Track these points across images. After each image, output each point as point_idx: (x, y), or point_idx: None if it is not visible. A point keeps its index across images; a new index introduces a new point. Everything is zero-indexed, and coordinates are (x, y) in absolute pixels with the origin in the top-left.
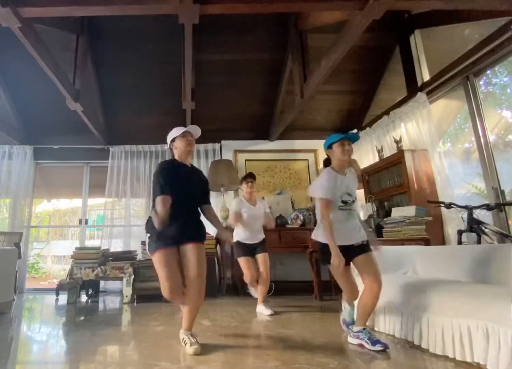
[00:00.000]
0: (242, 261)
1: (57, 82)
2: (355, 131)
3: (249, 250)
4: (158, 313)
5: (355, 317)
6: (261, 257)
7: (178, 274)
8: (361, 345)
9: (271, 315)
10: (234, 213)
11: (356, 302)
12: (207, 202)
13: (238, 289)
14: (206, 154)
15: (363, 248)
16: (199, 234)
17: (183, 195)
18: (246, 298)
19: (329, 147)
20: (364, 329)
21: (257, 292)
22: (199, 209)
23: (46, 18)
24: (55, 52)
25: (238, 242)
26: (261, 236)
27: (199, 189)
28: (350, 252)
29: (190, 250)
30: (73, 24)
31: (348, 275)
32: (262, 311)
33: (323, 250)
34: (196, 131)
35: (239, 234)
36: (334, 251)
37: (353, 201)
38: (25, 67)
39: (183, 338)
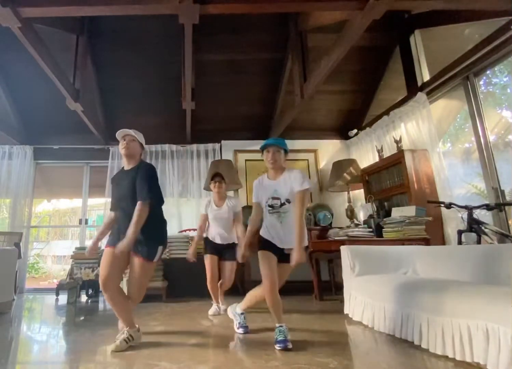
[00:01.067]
0: (206, 259)
1: (57, 82)
2: (354, 131)
3: (217, 249)
4: (158, 313)
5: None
6: (226, 265)
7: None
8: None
9: (214, 315)
10: (201, 215)
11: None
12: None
13: (238, 288)
14: (206, 154)
15: (286, 257)
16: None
17: (114, 201)
18: None
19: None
20: (242, 313)
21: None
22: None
23: (46, 18)
24: (55, 52)
25: (206, 238)
26: (231, 239)
27: (126, 190)
28: (280, 255)
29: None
30: (73, 24)
31: (272, 263)
32: (211, 310)
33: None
34: (127, 132)
35: (209, 232)
36: (244, 246)
37: (282, 204)
38: (25, 67)
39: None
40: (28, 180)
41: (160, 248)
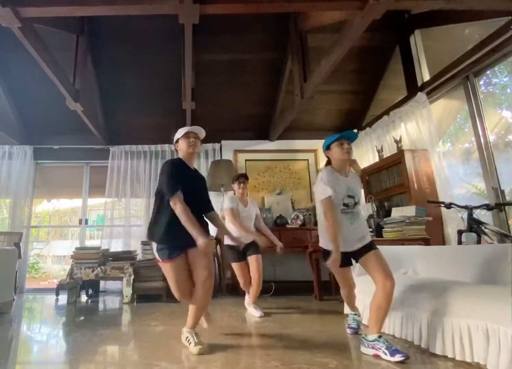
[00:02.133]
0: (235, 267)
1: (57, 82)
2: (354, 130)
3: (241, 253)
4: (158, 313)
5: (361, 321)
6: (253, 259)
7: (188, 278)
8: (377, 356)
9: (260, 317)
10: (230, 210)
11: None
12: (211, 208)
13: (238, 289)
14: (206, 154)
15: (369, 247)
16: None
17: (189, 197)
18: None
19: (327, 148)
20: (380, 337)
21: (249, 294)
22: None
23: (46, 18)
24: (55, 52)
25: (228, 246)
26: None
27: (203, 194)
28: (355, 255)
29: (199, 254)
30: (73, 24)
31: (347, 275)
32: (253, 312)
33: (325, 255)
34: (200, 131)
35: (232, 235)
36: (335, 247)
37: (356, 204)
38: (25, 67)
39: (187, 337)
40: (28, 180)
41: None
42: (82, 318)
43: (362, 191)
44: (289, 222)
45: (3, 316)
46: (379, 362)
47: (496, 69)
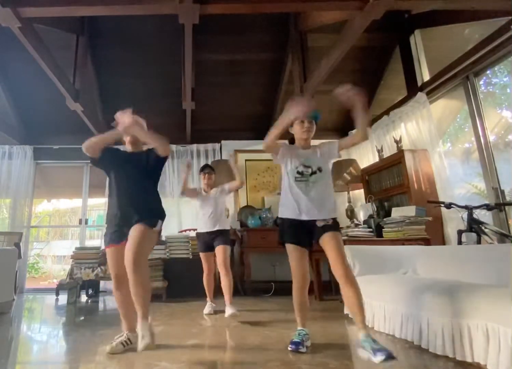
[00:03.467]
0: (201, 257)
1: (57, 82)
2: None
3: (208, 243)
4: (158, 313)
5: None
6: (218, 250)
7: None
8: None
9: (233, 315)
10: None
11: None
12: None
13: (238, 288)
14: (206, 154)
15: (328, 228)
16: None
17: (123, 177)
18: (245, 298)
19: (291, 125)
20: (366, 335)
21: (209, 292)
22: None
23: (46, 18)
24: (55, 52)
25: (197, 234)
26: (221, 225)
27: (143, 170)
28: (312, 233)
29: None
30: (73, 24)
31: (301, 260)
32: (226, 312)
33: (279, 227)
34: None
35: (198, 224)
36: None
37: (312, 173)
38: (25, 67)
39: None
40: (28, 180)
41: (159, 222)
42: (82, 318)
43: (362, 191)
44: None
45: (3, 316)
46: (379, 362)
47: (496, 69)
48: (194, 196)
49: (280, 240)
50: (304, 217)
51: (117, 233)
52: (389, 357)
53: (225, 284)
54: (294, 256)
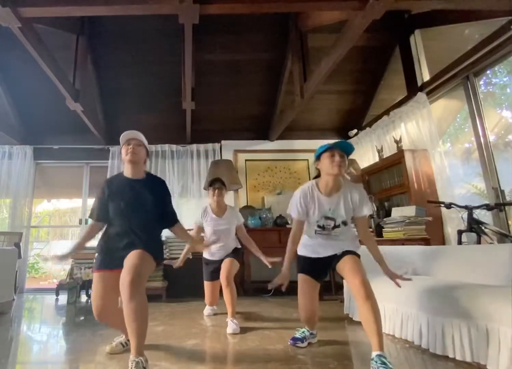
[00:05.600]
0: (205, 285)
1: (57, 82)
2: (354, 131)
3: (217, 268)
4: (158, 313)
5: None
6: (225, 261)
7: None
8: None
9: (234, 334)
10: (196, 226)
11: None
12: (172, 220)
13: (238, 289)
14: (206, 154)
15: (346, 252)
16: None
17: (121, 209)
18: (245, 298)
19: (317, 158)
20: (379, 356)
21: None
22: (151, 224)
23: (46, 18)
24: (55, 52)
25: (203, 260)
26: (230, 249)
27: (146, 205)
28: (331, 264)
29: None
30: (73, 24)
31: (310, 294)
32: (229, 327)
33: (297, 260)
34: (137, 135)
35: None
36: (285, 264)
37: (336, 227)
38: (25, 67)
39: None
40: (28, 180)
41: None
42: (82, 318)
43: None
44: (289, 222)
45: (3, 316)
46: None
47: (496, 69)
48: (200, 231)
49: (297, 271)
50: (324, 255)
51: (111, 259)
52: None
53: (227, 297)
54: (304, 289)
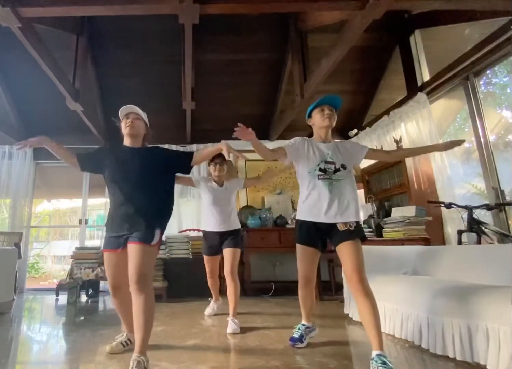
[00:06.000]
0: (205, 260)
1: (57, 82)
2: (354, 131)
3: (216, 245)
4: (158, 313)
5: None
6: (228, 253)
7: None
8: None
9: (234, 333)
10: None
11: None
12: (186, 156)
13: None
14: None
15: (349, 234)
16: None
17: (121, 177)
18: (245, 298)
19: (309, 116)
20: (379, 355)
21: (215, 298)
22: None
23: (46, 18)
24: (55, 52)
25: (204, 234)
26: (231, 225)
27: (143, 167)
28: (332, 236)
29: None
30: (73, 24)
31: (308, 260)
32: (229, 327)
33: (295, 228)
34: (134, 109)
35: (205, 222)
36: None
37: (336, 170)
38: (25, 67)
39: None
40: (28, 180)
41: (157, 232)
42: (82, 318)
43: (362, 191)
44: (289, 222)
45: (3, 316)
46: None
47: (496, 69)
48: (189, 184)
49: (295, 241)
50: (325, 220)
51: (114, 239)
52: None
53: (231, 293)
54: (300, 257)
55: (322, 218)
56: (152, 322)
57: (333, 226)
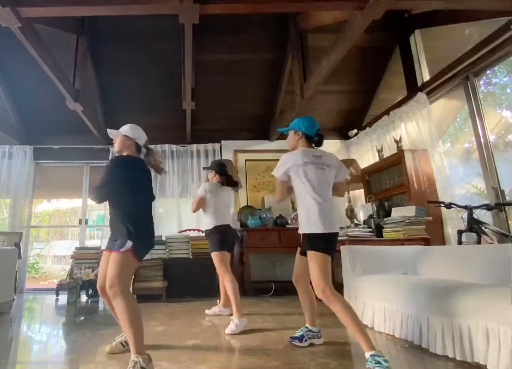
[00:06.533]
0: (220, 256)
1: (57, 82)
2: (354, 131)
3: (232, 240)
4: (158, 313)
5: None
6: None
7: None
8: None
9: (232, 334)
10: (200, 198)
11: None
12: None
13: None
14: (206, 154)
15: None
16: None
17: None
18: (245, 298)
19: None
20: (372, 355)
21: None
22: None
23: (46, 18)
24: (55, 52)
25: (220, 228)
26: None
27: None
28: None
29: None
30: (73, 24)
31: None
32: (228, 327)
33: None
34: (110, 134)
35: (219, 216)
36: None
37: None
38: (25, 67)
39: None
40: (28, 180)
41: (128, 242)
42: (82, 318)
43: (362, 190)
44: (289, 222)
45: (3, 316)
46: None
47: (496, 69)
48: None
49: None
50: (337, 229)
51: (110, 241)
52: None
53: (228, 288)
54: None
55: (332, 228)
56: (137, 322)
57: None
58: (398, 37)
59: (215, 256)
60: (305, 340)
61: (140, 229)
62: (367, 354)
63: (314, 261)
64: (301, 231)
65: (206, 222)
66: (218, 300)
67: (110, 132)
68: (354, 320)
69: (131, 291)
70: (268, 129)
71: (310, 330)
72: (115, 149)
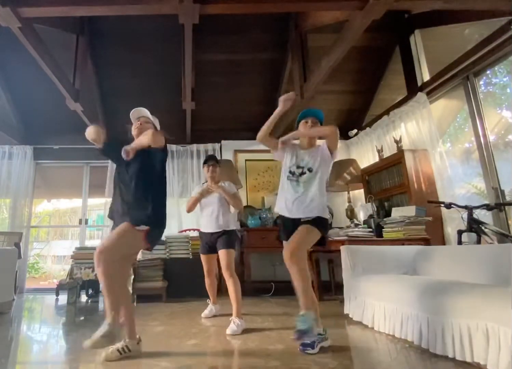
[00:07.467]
0: (202, 258)
1: (57, 82)
2: (354, 131)
3: (210, 244)
4: (158, 313)
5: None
6: (221, 254)
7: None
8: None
9: (233, 334)
10: (190, 198)
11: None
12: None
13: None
14: (206, 154)
15: (305, 222)
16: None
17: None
18: (245, 298)
19: (297, 126)
20: (301, 315)
21: (212, 300)
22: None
23: (46, 18)
24: (55, 52)
25: (199, 234)
26: (227, 224)
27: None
28: (294, 227)
29: None
30: (73, 24)
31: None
32: (228, 328)
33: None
34: (142, 113)
35: (202, 223)
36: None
37: (302, 174)
38: (25, 67)
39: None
40: (28, 180)
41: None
42: (82, 318)
43: (362, 190)
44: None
45: (3, 316)
46: (379, 361)
47: (496, 69)
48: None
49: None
50: (289, 215)
51: (121, 217)
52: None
53: (231, 291)
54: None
55: (287, 213)
56: (114, 288)
57: (298, 222)
58: (398, 37)
59: (232, 253)
60: (316, 346)
61: (157, 218)
62: (300, 313)
63: (311, 235)
64: (313, 214)
65: (227, 221)
66: (208, 300)
67: (148, 114)
68: (303, 280)
69: (131, 291)
70: None
71: (319, 334)
72: (137, 132)
